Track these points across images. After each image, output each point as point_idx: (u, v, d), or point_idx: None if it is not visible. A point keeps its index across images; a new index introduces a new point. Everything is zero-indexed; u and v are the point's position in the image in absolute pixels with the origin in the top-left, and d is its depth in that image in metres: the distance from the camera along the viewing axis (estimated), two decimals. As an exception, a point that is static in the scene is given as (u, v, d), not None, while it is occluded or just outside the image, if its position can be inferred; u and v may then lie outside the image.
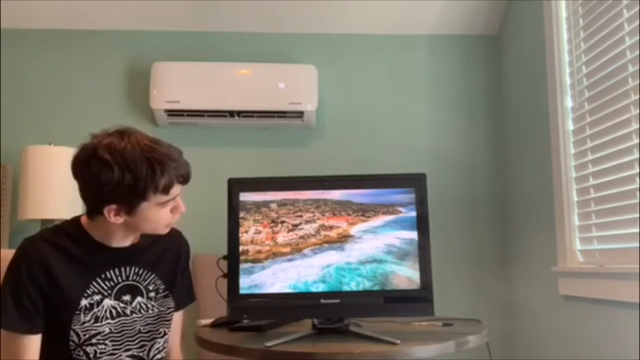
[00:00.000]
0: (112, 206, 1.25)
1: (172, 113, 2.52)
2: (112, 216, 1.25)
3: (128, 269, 1.37)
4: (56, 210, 2.32)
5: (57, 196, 2.32)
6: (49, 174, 2.32)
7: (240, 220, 1.56)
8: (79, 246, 1.31)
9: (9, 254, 1.56)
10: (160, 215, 1.29)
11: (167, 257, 1.45)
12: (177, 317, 1.52)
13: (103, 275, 1.33)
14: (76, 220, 1.37)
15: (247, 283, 1.55)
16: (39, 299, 1.25)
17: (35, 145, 2.37)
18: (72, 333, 1.28)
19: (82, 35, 2.70)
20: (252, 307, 1.52)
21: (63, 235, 1.32)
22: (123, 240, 1.36)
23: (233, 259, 1.57)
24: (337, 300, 1.49)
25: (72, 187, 2.33)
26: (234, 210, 1.59)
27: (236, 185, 1.60)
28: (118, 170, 1.21)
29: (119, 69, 2.69)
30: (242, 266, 1.56)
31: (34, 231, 2.43)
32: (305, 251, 1.55)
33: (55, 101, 2.65)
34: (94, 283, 1.31)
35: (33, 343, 1.27)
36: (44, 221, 2.35)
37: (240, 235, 1.56)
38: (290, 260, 1.55)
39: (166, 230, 1.36)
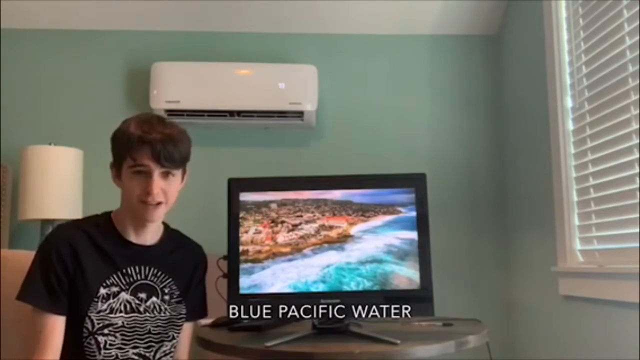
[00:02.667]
0: (112, 163, 1.40)
1: (172, 113, 2.52)
2: (114, 176, 1.40)
3: (147, 268, 1.42)
4: (56, 210, 2.32)
5: (57, 196, 2.33)
6: (49, 174, 2.32)
7: (240, 220, 1.56)
8: (106, 237, 1.39)
9: (9, 254, 1.56)
10: (131, 184, 1.35)
11: (185, 265, 1.50)
12: (187, 330, 1.54)
13: (124, 270, 1.39)
14: (107, 213, 1.45)
15: (247, 283, 1.55)
16: (65, 279, 1.31)
17: (35, 145, 2.37)
18: (87, 320, 1.33)
19: (82, 35, 2.69)
20: (252, 307, 1.52)
21: (92, 224, 1.40)
22: (137, 233, 1.42)
23: (233, 259, 1.57)
24: (337, 300, 1.50)
25: (72, 187, 2.36)
26: (234, 210, 1.59)
27: (236, 185, 1.60)
28: (118, 130, 1.39)
29: (119, 69, 2.69)
30: (242, 266, 1.56)
31: (34, 231, 2.45)
32: (305, 251, 1.55)
33: (55, 101, 2.65)
34: (114, 275, 1.37)
35: (59, 326, 1.31)
36: (44, 221, 2.35)
37: (240, 235, 1.56)
38: (290, 260, 1.55)
39: (144, 210, 1.37)
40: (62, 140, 2.43)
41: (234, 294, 1.54)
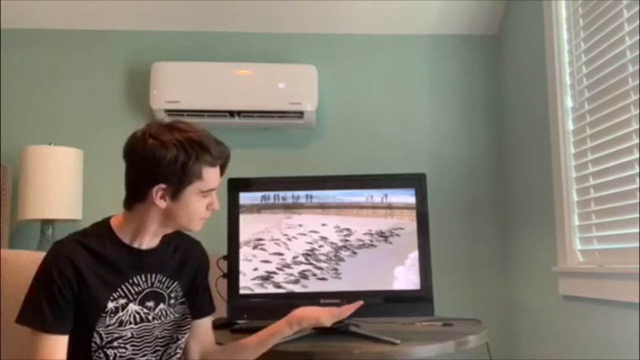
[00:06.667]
0: (162, 185, 1.28)
1: (172, 113, 2.52)
2: (159, 198, 1.29)
3: (153, 276, 1.38)
4: (56, 210, 2.32)
5: (57, 196, 2.32)
6: (49, 174, 2.32)
7: (240, 220, 1.56)
8: (109, 247, 1.33)
9: (9, 254, 1.56)
10: (198, 205, 1.32)
11: (188, 266, 1.46)
12: (208, 324, 1.52)
13: (131, 280, 1.34)
14: (105, 222, 1.38)
15: (247, 283, 1.55)
16: (70, 297, 1.26)
17: (35, 145, 2.37)
18: (95, 335, 1.29)
19: (82, 35, 2.70)
20: (252, 307, 1.52)
21: (92, 236, 1.34)
22: (152, 239, 1.38)
23: (233, 259, 1.57)
24: (337, 301, 1.50)
25: (72, 187, 2.37)
26: (234, 210, 1.59)
27: (236, 185, 1.61)
28: (173, 147, 1.26)
29: (119, 69, 2.69)
30: (242, 266, 1.56)
31: (34, 231, 2.45)
32: (305, 251, 1.55)
33: (55, 101, 2.65)
34: (122, 287, 1.33)
35: (61, 344, 1.26)
36: (44, 221, 2.35)
37: (240, 235, 1.56)
38: (290, 260, 1.55)
39: (199, 226, 1.37)
40: (62, 140, 2.43)
41: (234, 294, 1.55)
